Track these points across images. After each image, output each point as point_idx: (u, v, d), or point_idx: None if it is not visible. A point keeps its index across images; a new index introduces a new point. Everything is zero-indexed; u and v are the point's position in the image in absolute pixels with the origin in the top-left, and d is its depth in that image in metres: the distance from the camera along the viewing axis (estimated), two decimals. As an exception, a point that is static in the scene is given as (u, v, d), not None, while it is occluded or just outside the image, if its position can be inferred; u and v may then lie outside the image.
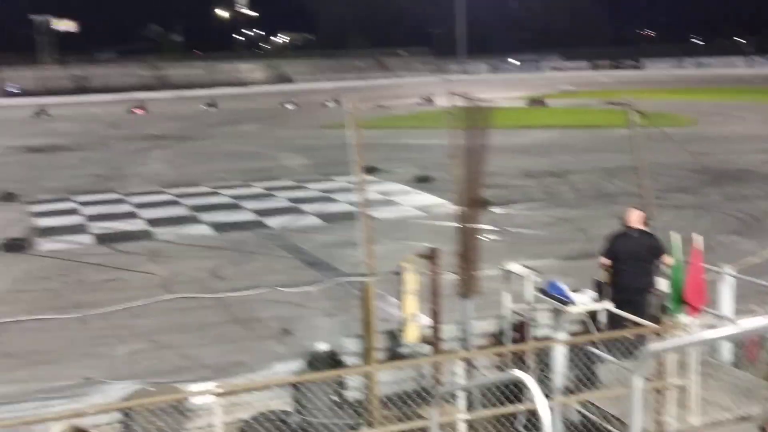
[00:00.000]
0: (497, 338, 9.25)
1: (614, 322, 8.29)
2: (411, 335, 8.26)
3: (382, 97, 56.13)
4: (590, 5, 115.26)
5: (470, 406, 7.90)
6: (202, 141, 38.99)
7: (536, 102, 52.25)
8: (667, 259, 8.66)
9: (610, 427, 7.34)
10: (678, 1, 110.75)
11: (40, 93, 76.82)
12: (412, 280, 8.20)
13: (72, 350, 10.93)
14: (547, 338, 8.31)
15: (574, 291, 8.12)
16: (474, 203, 9.12)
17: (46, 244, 17.52)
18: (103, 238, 18.00)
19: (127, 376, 9.59)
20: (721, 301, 8.84)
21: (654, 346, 5.55)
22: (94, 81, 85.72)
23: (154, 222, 19.60)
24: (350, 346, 8.63)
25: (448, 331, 8.80)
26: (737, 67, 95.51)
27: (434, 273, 8.33)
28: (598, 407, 7.59)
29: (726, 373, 8.31)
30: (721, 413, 7.49)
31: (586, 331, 8.47)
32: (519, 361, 8.21)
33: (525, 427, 7.59)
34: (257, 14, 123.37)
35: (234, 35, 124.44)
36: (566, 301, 7.92)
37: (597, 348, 7.72)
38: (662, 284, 8.92)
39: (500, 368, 8.81)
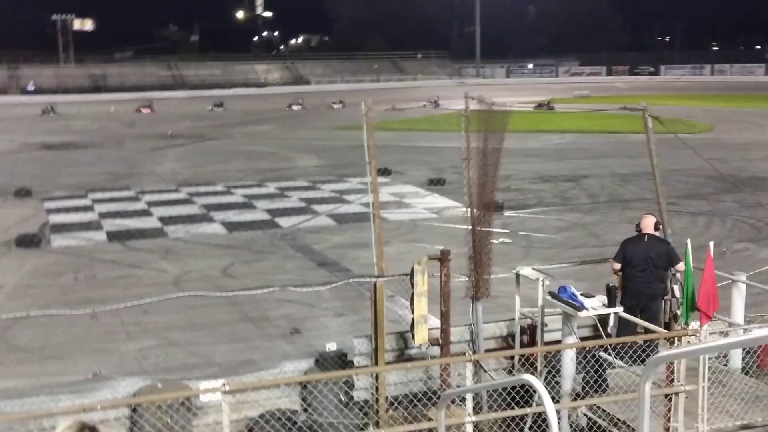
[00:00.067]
0: (507, 341, 9.23)
1: (625, 327, 8.24)
2: (420, 337, 8.24)
3: (396, 99, 56.11)
4: (608, 11, 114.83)
5: (479, 409, 7.88)
6: (213, 141, 39.08)
7: (542, 106, 52.00)
8: (681, 266, 8.61)
9: (618, 433, 7.29)
10: (697, 8, 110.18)
11: (56, 91, 77.30)
12: (423, 282, 8.18)
13: (82, 346, 10.98)
14: (557, 342, 8.27)
15: (585, 295, 8.08)
16: (487, 206, 9.10)
17: (59, 241, 17.61)
18: (116, 236, 18.08)
19: (137, 372, 9.62)
20: (733, 308, 8.78)
21: (664, 353, 5.51)
22: (111, 80, 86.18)
23: (166, 220, 19.67)
24: (359, 346, 8.62)
25: (458, 333, 8.78)
26: (755, 75, 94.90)
27: (445, 275, 8.31)
28: (606, 412, 7.55)
29: (736, 381, 8.24)
30: (729, 421, 7.43)
31: (597, 336, 8.43)
32: (528, 364, 8.18)
33: (532, 430, 7.54)
34: (274, 15, 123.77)
35: (251, 36, 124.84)
36: (577, 306, 7.88)
37: (607, 353, 7.68)
38: (675, 291, 8.87)
39: (509, 371, 8.78)
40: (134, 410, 7.36)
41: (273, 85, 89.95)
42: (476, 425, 7.49)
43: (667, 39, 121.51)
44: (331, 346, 9.11)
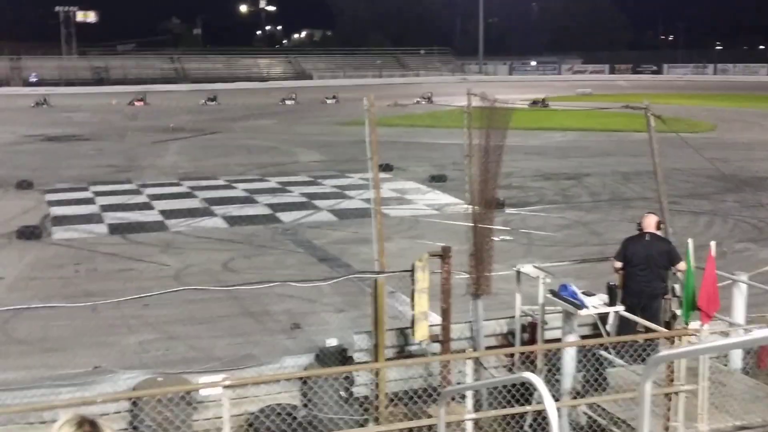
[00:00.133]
0: (507, 339, 9.23)
1: (625, 326, 8.25)
2: (421, 333, 8.24)
3: (398, 95, 56.11)
4: (612, 9, 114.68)
5: (478, 406, 7.88)
6: (214, 135, 39.08)
7: (537, 103, 51.93)
8: (682, 266, 8.61)
9: (618, 431, 7.29)
10: (700, 7, 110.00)
11: (58, 83, 77.35)
12: (423, 279, 8.18)
13: (82, 338, 10.99)
14: (557, 340, 8.27)
15: (585, 294, 8.08)
16: (488, 203, 9.10)
17: (60, 233, 17.62)
18: (117, 228, 18.08)
19: (137, 366, 9.62)
20: (734, 308, 8.77)
21: (665, 352, 5.51)
22: (113, 73, 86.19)
23: (167, 213, 19.67)
24: (360, 342, 8.63)
25: (458, 330, 8.78)
26: (758, 75, 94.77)
27: (446, 272, 8.31)
28: (606, 411, 7.55)
29: (736, 380, 8.25)
30: (729, 420, 7.44)
31: (597, 334, 8.43)
32: (528, 362, 8.18)
33: (532, 428, 7.55)
34: (277, 10, 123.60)
35: (254, 30, 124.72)
36: (578, 304, 7.88)
37: (608, 352, 7.68)
38: (675, 290, 8.87)
39: (509, 369, 8.78)
40: (134, 404, 7.37)
41: (275, 79, 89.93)
42: (476, 422, 7.49)
43: (671, 38, 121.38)
44: (332, 342, 9.12)
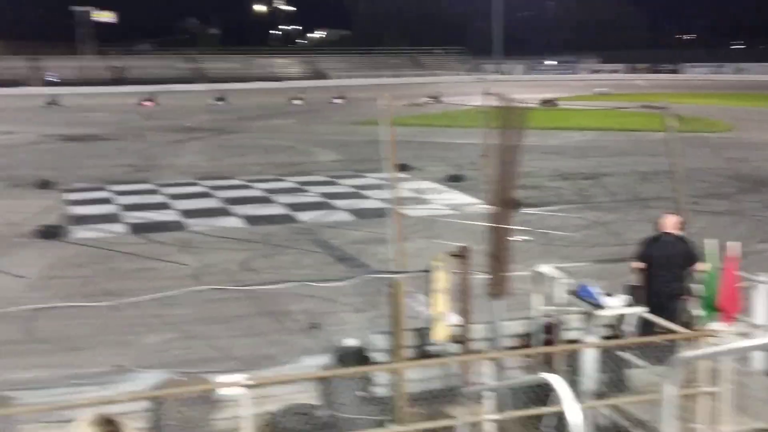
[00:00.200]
0: (526, 339, 9.20)
1: (645, 327, 8.20)
2: (439, 334, 8.24)
3: (414, 95, 56.11)
4: (629, 8, 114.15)
5: (499, 407, 7.86)
6: (231, 134, 39.22)
7: (548, 102, 51.79)
8: (700, 266, 8.56)
9: (638, 433, 7.26)
10: (719, 6, 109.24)
11: (76, 83, 77.92)
12: (442, 279, 8.18)
13: (103, 337, 11.05)
14: (576, 341, 8.24)
15: (605, 294, 8.05)
16: (506, 203, 9.07)
17: (80, 232, 17.73)
18: (136, 228, 18.19)
19: (157, 365, 9.67)
20: (755, 309, 8.71)
21: (687, 353, 5.48)
22: (131, 72, 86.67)
23: (186, 213, 19.77)
24: (378, 342, 8.63)
25: (477, 330, 8.77)
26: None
27: (465, 272, 8.30)
28: (627, 412, 7.51)
29: (758, 382, 8.18)
30: (752, 422, 7.38)
31: (617, 335, 8.39)
32: (547, 363, 8.16)
33: (549, 429, 7.52)
34: (295, 9, 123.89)
35: (271, 30, 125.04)
36: (597, 304, 7.85)
37: (627, 353, 7.65)
38: (695, 291, 8.82)
39: (528, 370, 8.75)
40: (155, 403, 7.40)
41: (291, 79, 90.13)
42: (496, 423, 7.47)
43: (690, 37, 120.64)
44: (350, 342, 9.14)
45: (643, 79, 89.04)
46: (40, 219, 18.66)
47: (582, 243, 16.33)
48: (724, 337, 7.47)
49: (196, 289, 13.23)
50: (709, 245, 7.94)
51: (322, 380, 8.23)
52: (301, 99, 60.07)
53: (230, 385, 6.58)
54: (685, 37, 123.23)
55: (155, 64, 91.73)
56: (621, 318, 8.27)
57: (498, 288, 8.81)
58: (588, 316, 7.90)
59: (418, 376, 8.26)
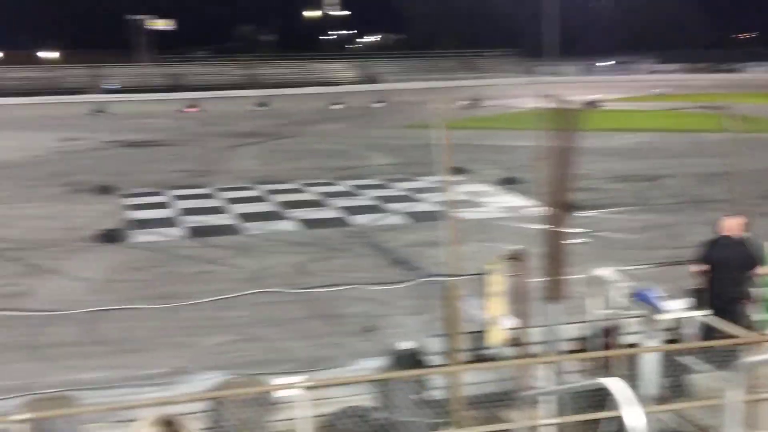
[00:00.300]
0: (584, 343, 9.08)
1: (708, 331, 8.03)
2: (495, 337, 8.19)
3: (467, 98, 55.88)
4: (688, 7, 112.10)
5: (557, 411, 7.77)
6: (285, 139, 39.54)
7: (592, 104, 51.09)
8: (761, 270, 8.36)
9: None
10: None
11: (134, 90, 79.53)
12: (497, 282, 8.12)
13: (162, 339, 11.23)
14: (635, 345, 8.11)
15: (665, 298, 7.90)
16: (562, 206, 8.97)
17: (139, 236, 18.07)
18: (194, 232, 18.46)
19: (215, 367, 9.79)
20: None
21: (752, 358, 5.34)
22: (188, 79, 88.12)
23: (242, 217, 20.00)
24: (433, 345, 8.61)
25: (534, 334, 8.68)
26: None
27: (521, 275, 8.23)
28: (689, 417, 7.36)
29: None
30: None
31: (677, 339, 8.23)
32: (605, 367, 8.04)
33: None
34: (348, 14, 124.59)
35: (326, 35, 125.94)
36: (658, 308, 7.71)
37: (688, 357, 7.50)
38: (757, 294, 8.61)
39: (586, 374, 8.64)
40: (213, 404, 7.48)
41: (346, 83, 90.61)
42: (553, 427, 7.39)
43: (750, 35, 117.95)
44: (405, 345, 9.12)
45: (702, 79, 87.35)
46: (101, 223, 19.08)
47: (641, 246, 16.06)
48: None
49: (253, 292, 13.37)
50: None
51: (378, 383, 8.22)
52: (340, 103, 60.48)
53: (288, 386, 6.63)
54: (746, 35, 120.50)
55: (211, 70, 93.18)
56: (681, 322, 8.11)
57: (555, 291, 8.71)
58: (647, 319, 7.77)
59: (473, 380, 8.21)
